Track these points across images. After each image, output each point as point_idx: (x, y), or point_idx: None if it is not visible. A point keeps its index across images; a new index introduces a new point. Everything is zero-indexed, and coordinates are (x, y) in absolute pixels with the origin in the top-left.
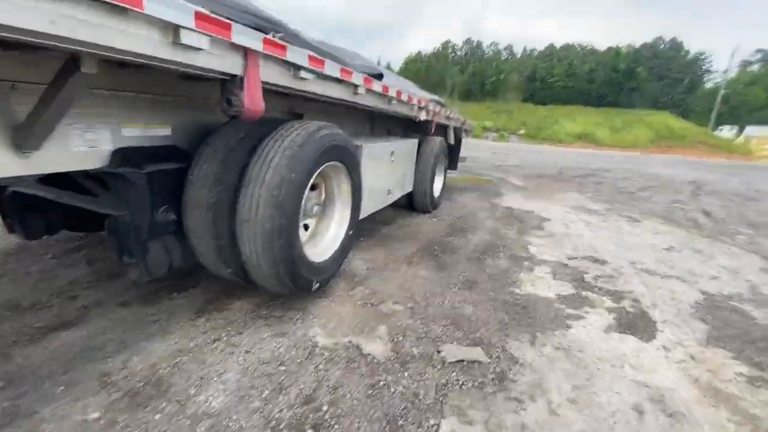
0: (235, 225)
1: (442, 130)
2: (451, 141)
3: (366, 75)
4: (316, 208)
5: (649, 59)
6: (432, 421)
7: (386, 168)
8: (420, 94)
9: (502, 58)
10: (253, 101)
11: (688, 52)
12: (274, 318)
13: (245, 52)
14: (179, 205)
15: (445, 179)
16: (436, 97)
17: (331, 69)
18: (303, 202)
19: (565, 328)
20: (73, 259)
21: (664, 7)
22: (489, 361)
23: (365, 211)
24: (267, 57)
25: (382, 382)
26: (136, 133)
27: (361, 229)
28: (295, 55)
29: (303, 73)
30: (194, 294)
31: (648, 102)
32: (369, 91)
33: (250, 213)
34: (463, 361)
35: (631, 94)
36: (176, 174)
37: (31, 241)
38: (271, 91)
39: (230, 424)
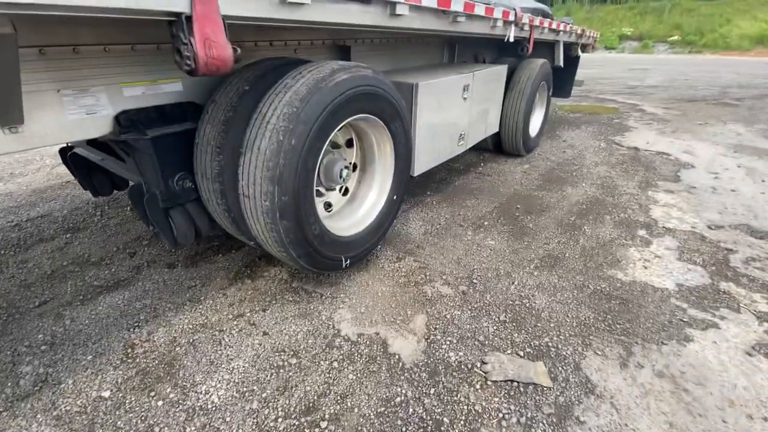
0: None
1: (548, 48)
2: (559, 62)
3: None
4: (344, 171)
5: None
6: None
7: (456, 108)
8: (512, 2)
9: None
10: (211, 47)
11: None
12: (303, 292)
13: None
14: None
15: (547, 112)
16: (538, 5)
17: None
18: (316, 170)
19: (682, 342)
20: None
21: None
22: (550, 385)
23: (423, 167)
24: None
25: (400, 398)
26: (140, 91)
27: (428, 180)
28: None
29: None
30: (236, 257)
31: None
32: (414, 8)
33: (248, 188)
34: (512, 381)
35: None
36: (190, 136)
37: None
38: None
39: (222, 427)
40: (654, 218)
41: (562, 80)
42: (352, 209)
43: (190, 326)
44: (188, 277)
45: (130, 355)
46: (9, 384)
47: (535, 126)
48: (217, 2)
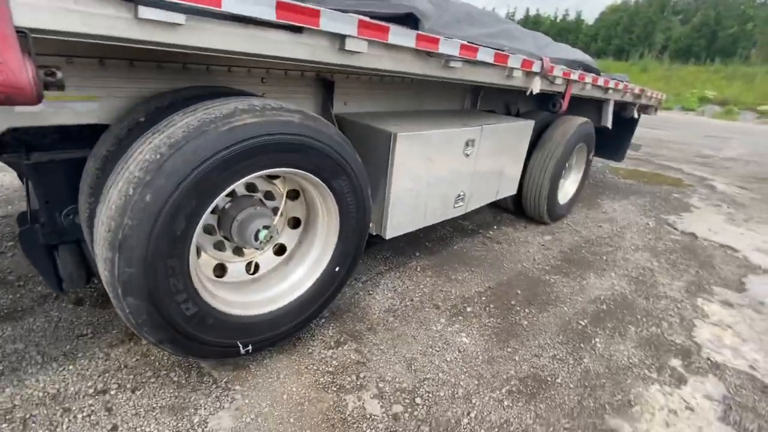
0: None
1: (595, 106)
2: (607, 123)
3: (366, 17)
4: (262, 233)
5: None
6: None
7: (454, 165)
8: (544, 50)
9: (757, 1)
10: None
11: None
12: (195, 372)
13: None
14: None
15: (585, 178)
16: (580, 57)
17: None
18: (192, 236)
19: None
20: None
21: None
22: None
23: (399, 229)
24: None
25: None
26: (39, 107)
27: (423, 237)
28: None
29: (145, 12)
30: None
31: None
32: (378, 45)
33: (95, 247)
34: None
35: None
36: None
37: None
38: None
39: None
40: (698, 342)
41: (616, 141)
42: (283, 275)
43: (39, 395)
44: (87, 320)
45: None
46: None
47: (566, 192)
48: (7, 10)
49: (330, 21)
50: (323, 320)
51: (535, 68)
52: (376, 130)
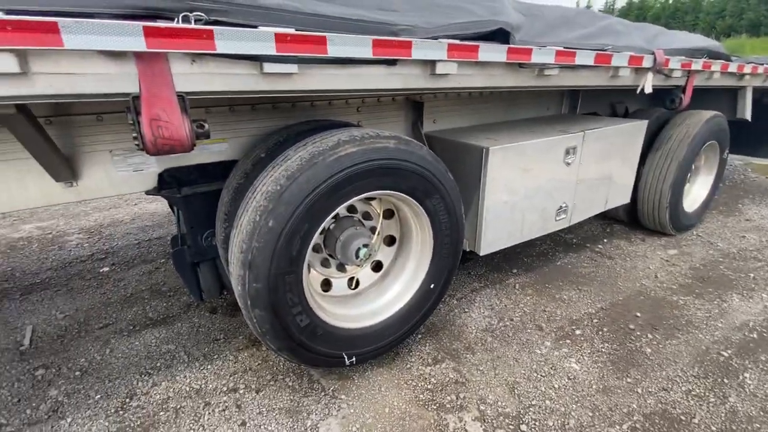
0: None
1: (728, 96)
2: (745, 114)
3: (455, 40)
4: (362, 251)
5: None
6: None
7: (554, 175)
8: (655, 42)
9: None
10: (160, 128)
11: None
12: (306, 379)
13: (136, 55)
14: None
15: (718, 180)
16: (701, 43)
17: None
18: (305, 255)
19: None
20: None
21: None
22: None
23: (494, 245)
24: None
25: None
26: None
27: (521, 252)
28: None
29: (268, 67)
30: None
31: None
32: (467, 65)
33: (230, 267)
34: None
35: None
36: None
37: None
38: None
39: None
40: None
41: (760, 134)
42: (380, 291)
43: (187, 389)
44: (220, 327)
45: (123, 408)
46: (33, 404)
47: (694, 198)
48: (171, 80)
49: (421, 50)
50: (420, 336)
51: (646, 64)
52: (467, 145)
